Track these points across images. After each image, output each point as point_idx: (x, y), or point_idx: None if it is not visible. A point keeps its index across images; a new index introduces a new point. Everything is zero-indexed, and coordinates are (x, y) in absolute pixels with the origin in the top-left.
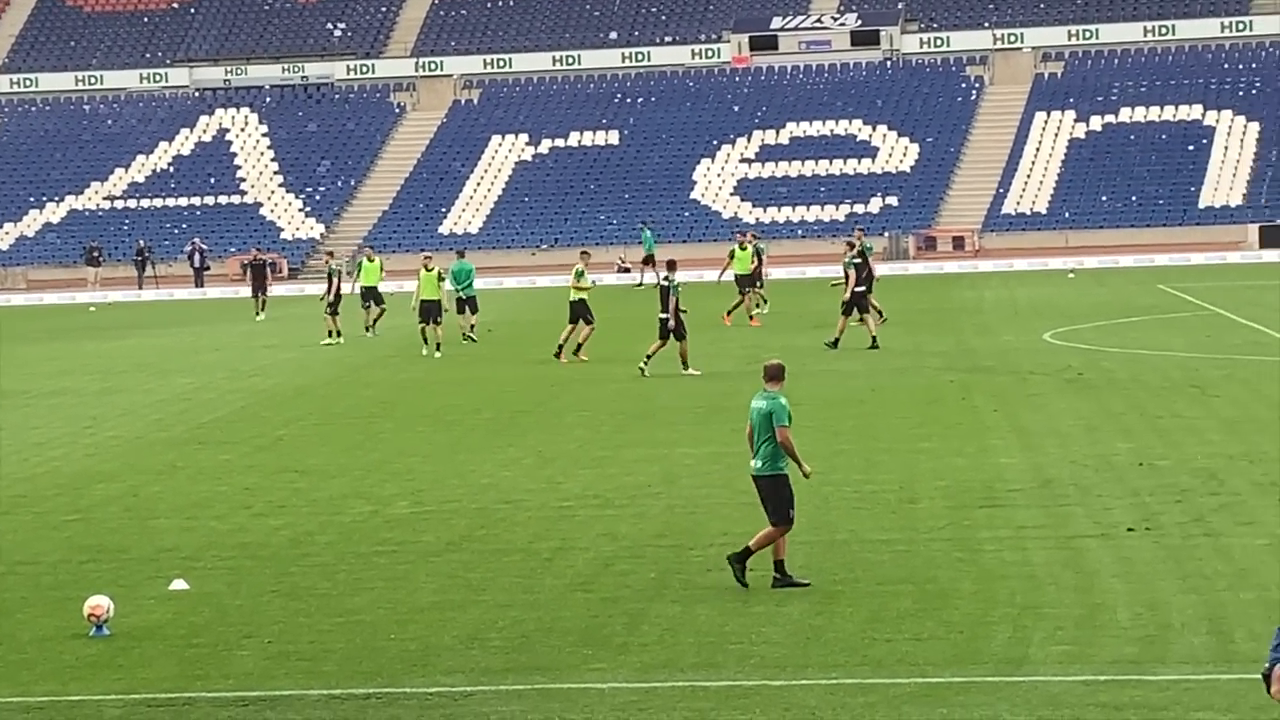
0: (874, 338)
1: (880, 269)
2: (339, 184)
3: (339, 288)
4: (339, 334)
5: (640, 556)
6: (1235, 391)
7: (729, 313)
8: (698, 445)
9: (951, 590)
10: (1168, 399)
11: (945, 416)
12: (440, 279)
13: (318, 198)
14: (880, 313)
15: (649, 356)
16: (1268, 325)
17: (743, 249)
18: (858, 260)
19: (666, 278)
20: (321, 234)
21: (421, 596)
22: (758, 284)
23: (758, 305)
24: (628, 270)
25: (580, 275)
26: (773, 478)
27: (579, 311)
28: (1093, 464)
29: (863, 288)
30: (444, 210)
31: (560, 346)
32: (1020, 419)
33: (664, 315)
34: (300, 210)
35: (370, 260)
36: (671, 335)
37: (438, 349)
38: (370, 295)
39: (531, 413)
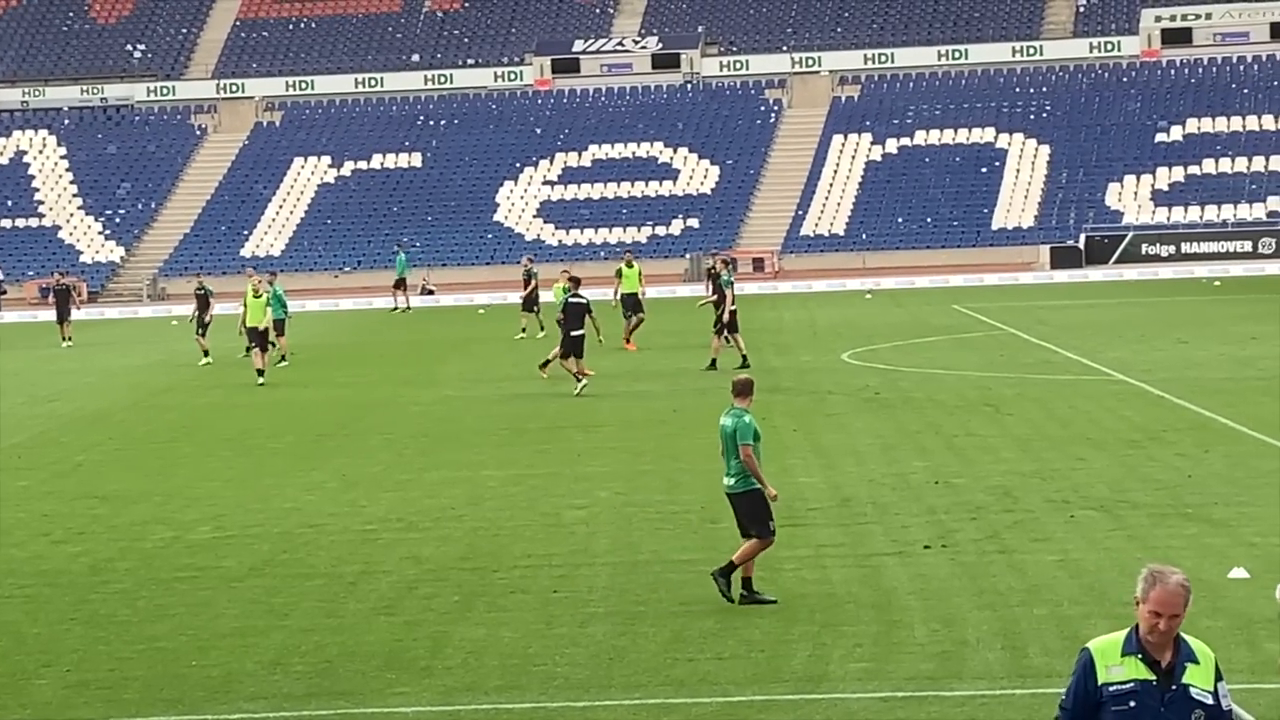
0: (744, 357)
1: (682, 290)
2: (139, 206)
3: (201, 310)
4: (207, 353)
5: (444, 579)
6: (1028, 410)
7: (628, 339)
8: (501, 467)
9: (753, 609)
10: (963, 418)
11: None
12: (268, 304)
13: (118, 220)
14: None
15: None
16: (1059, 344)
17: (630, 267)
18: (730, 280)
19: (575, 294)
20: (121, 257)
21: (224, 622)
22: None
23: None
24: (431, 292)
25: (565, 291)
26: (747, 494)
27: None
28: (890, 482)
29: (734, 307)
30: (246, 233)
31: (546, 362)
32: (819, 438)
33: (577, 333)
34: (100, 233)
35: (256, 296)
36: (572, 351)
37: (260, 375)
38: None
39: (335, 436)
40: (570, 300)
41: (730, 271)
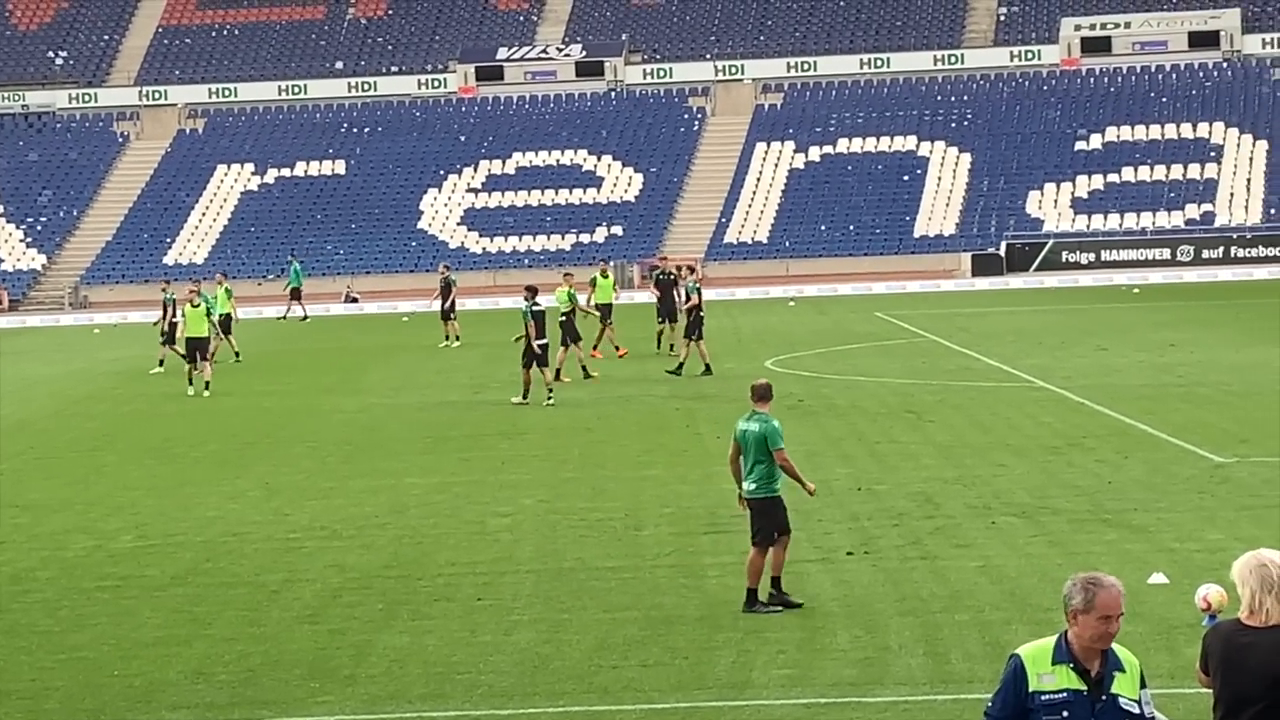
0: (707, 364)
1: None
2: (61, 214)
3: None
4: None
5: (368, 587)
6: (949, 417)
7: (595, 346)
8: (425, 475)
9: (677, 616)
10: (885, 425)
11: (670, 444)
12: (208, 313)
13: (39, 228)
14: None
15: (527, 393)
16: (980, 351)
17: (605, 276)
18: (698, 286)
19: (535, 304)
20: (43, 265)
21: (146, 631)
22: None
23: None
24: (355, 300)
25: (572, 297)
26: (767, 499)
27: (566, 331)
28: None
29: (704, 312)
30: (169, 240)
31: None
32: None
33: (542, 342)
34: (21, 241)
35: (194, 306)
36: (535, 361)
37: (206, 388)
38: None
39: (258, 444)
40: (533, 310)
41: (694, 278)
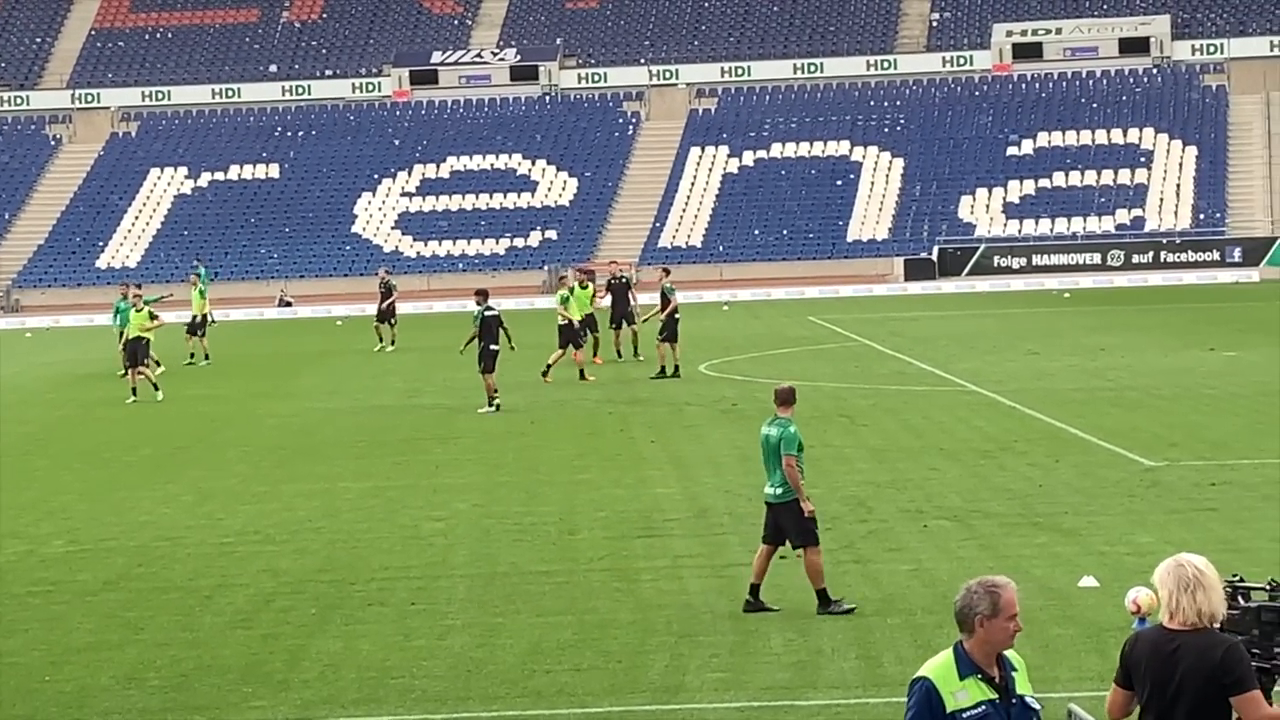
0: (676, 366)
1: (540, 302)
2: None
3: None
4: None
5: (301, 592)
6: (882, 421)
7: (596, 354)
8: (358, 480)
9: (610, 620)
10: (818, 428)
11: (604, 448)
12: (153, 316)
13: None
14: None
15: (491, 400)
16: (912, 356)
17: (583, 287)
18: (669, 287)
19: (487, 308)
20: None
21: (78, 637)
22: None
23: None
24: (289, 304)
25: (565, 300)
26: (794, 502)
27: (567, 335)
28: (746, 493)
29: (679, 315)
30: (101, 244)
31: (548, 367)
32: (677, 449)
33: (495, 347)
34: None
35: (138, 310)
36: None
37: (151, 389)
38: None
39: (191, 449)
40: (486, 315)
41: (668, 279)
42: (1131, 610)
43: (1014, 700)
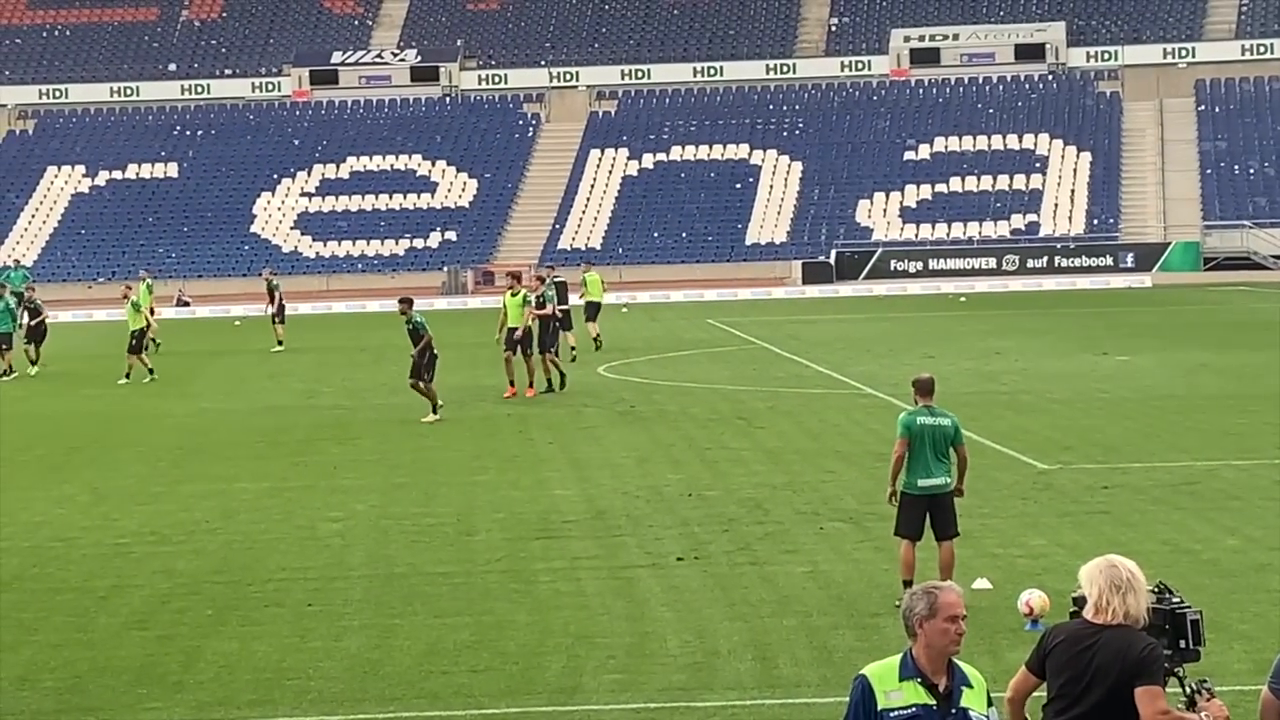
0: (563, 376)
1: (439, 303)
2: None
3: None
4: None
5: (197, 593)
6: (778, 423)
7: (572, 358)
8: (256, 480)
9: (507, 621)
10: (715, 431)
11: (502, 449)
12: (137, 307)
13: None
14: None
15: (437, 407)
16: (810, 359)
17: (514, 294)
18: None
19: (409, 316)
20: None
21: None
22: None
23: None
24: (187, 304)
25: (526, 302)
26: (954, 493)
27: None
28: (644, 495)
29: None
30: None
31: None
32: (575, 451)
33: (435, 353)
34: None
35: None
36: (415, 372)
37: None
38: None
39: (86, 449)
40: (413, 323)
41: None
42: (1024, 612)
43: (954, 710)
